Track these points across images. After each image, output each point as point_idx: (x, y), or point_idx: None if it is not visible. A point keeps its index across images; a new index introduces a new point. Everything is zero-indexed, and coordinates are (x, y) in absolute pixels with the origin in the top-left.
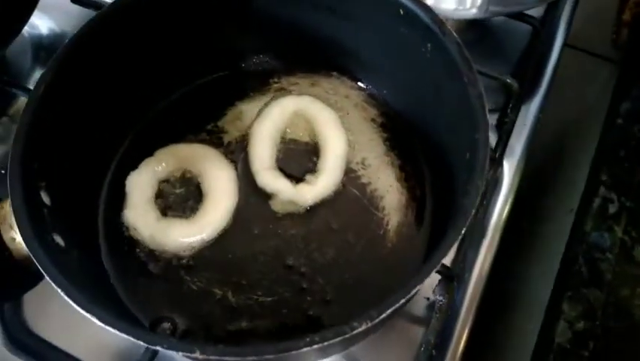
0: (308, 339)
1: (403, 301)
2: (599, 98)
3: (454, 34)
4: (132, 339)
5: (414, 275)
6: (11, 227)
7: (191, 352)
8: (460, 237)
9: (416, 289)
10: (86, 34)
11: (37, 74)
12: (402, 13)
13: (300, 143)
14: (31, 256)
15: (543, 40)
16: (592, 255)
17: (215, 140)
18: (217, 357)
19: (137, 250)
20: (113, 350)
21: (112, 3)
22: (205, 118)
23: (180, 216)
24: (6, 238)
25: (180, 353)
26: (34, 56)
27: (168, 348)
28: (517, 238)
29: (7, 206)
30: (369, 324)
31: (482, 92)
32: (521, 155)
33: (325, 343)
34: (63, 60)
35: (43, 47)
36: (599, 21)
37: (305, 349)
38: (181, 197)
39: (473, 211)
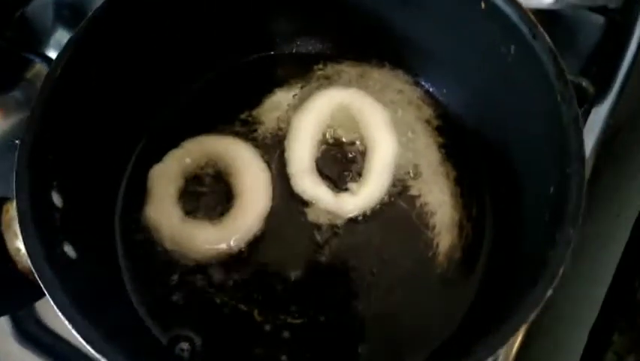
0: None
1: None
2: None
3: (548, 39)
4: None
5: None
6: (16, 235)
7: None
8: (538, 307)
9: None
10: (105, 12)
11: (59, 34)
12: (483, 6)
13: (344, 143)
14: (35, 275)
15: (620, 34)
16: None
17: (249, 131)
18: None
19: (157, 254)
20: None
21: None
22: (239, 106)
23: (206, 218)
24: (10, 247)
25: None
26: (56, 15)
27: None
28: None
29: (13, 210)
30: None
31: (579, 115)
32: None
33: None
34: (81, 39)
35: (65, 4)
36: None
37: None
38: (208, 196)
39: (561, 271)
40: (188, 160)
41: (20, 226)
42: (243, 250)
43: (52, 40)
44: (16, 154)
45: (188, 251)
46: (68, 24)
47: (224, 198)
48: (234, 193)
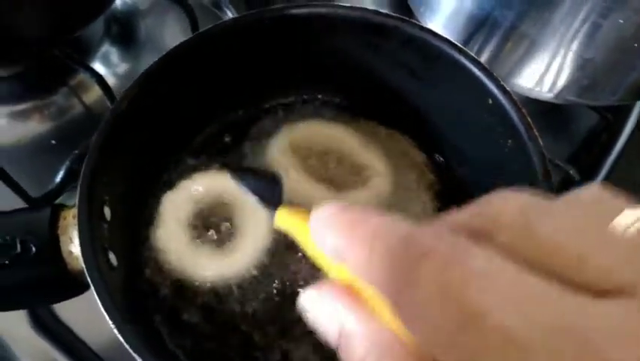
0: None
1: None
2: None
3: (540, 142)
4: None
5: None
6: (71, 240)
7: None
8: None
9: None
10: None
11: (105, 49)
12: (490, 102)
13: None
14: (87, 276)
15: (610, 131)
16: None
17: None
18: None
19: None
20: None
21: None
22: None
23: (213, 247)
24: (64, 250)
25: None
26: (106, 29)
27: None
28: None
29: (70, 217)
30: None
31: None
32: None
33: None
34: (145, 78)
35: (116, 19)
36: None
37: None
38: (217, 226)
39: None
40: (199, 189)
41: (79, 234)
42: (236, 282)
43: (99, 54)
44: (81, 174)
45: (190, 273)
46: (115, 39)
47: (229, 230)
48: (235, 226)
